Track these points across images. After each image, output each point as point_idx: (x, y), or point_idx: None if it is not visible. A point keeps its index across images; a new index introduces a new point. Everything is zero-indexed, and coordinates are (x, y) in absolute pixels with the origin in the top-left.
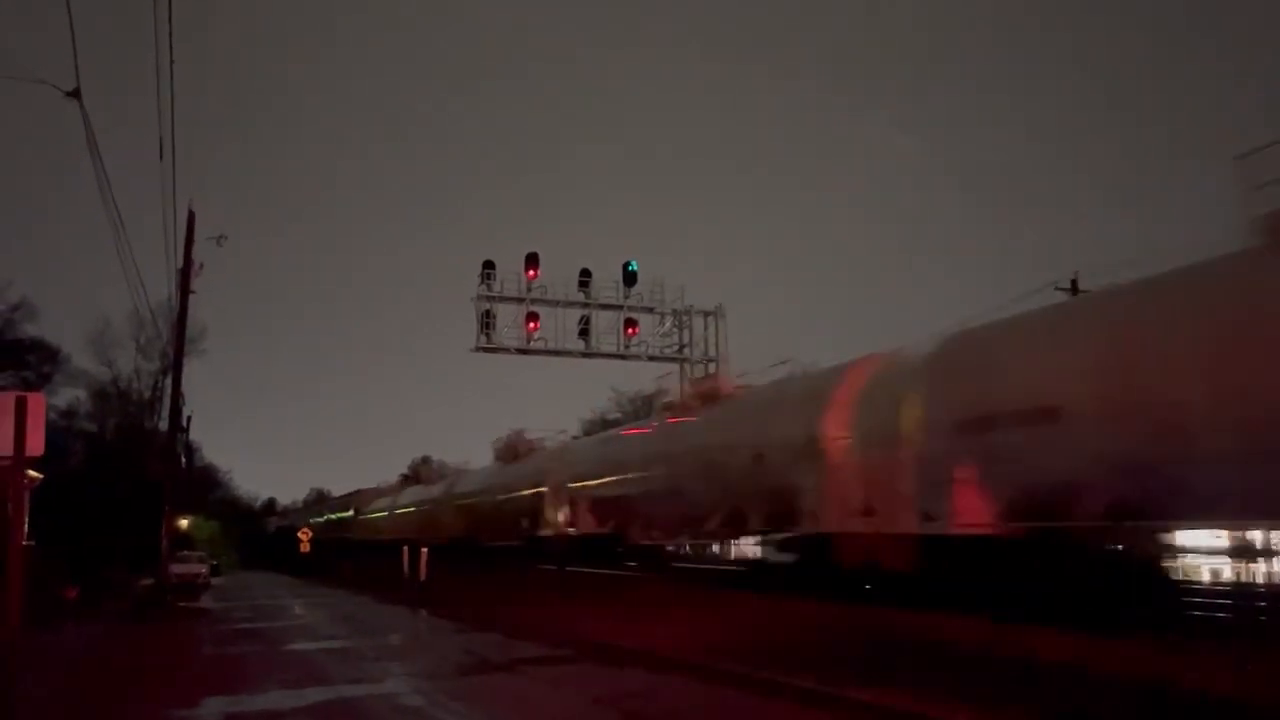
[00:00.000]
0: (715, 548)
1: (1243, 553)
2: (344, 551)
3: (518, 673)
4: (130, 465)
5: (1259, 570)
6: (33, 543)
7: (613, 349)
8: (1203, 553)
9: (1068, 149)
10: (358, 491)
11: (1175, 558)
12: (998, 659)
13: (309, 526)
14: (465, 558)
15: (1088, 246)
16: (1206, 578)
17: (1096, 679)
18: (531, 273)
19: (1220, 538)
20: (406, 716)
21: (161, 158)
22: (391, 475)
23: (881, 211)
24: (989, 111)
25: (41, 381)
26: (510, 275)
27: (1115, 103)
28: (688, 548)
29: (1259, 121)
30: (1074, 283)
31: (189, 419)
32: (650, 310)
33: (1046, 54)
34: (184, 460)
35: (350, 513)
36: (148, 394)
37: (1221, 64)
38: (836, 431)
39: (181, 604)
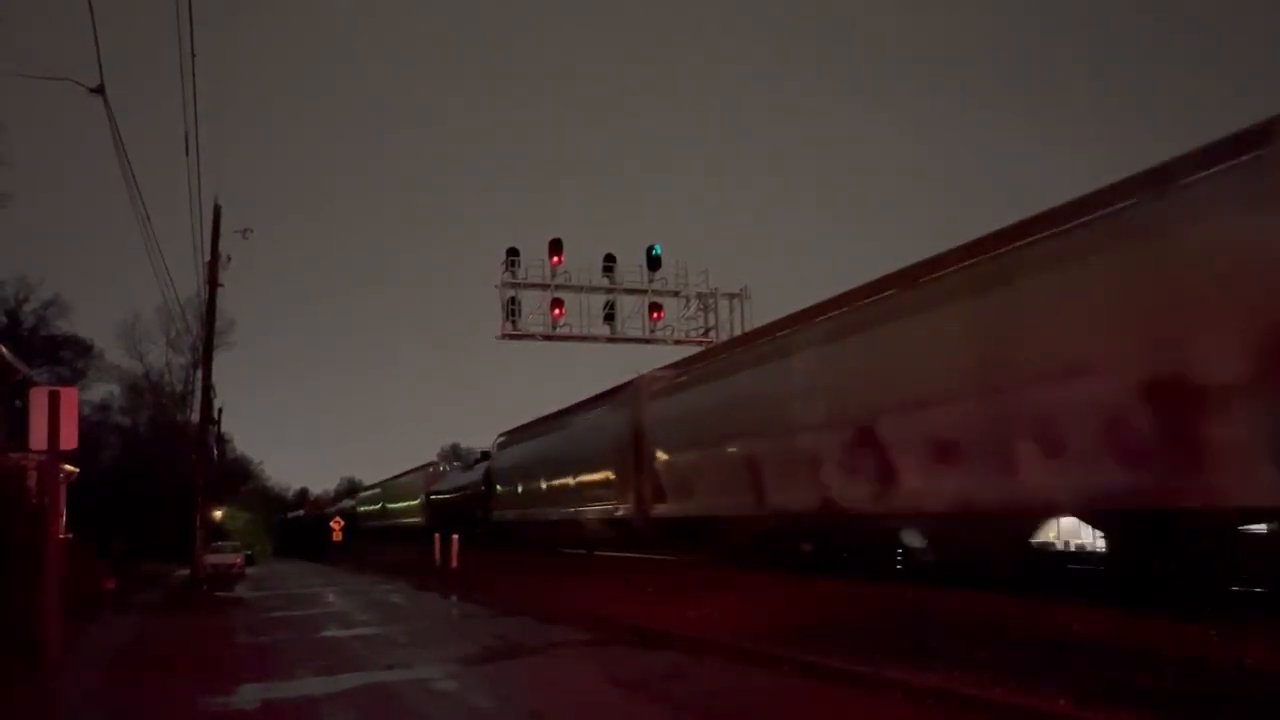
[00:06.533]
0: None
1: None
2: (375, 539)
3: (548, 656)
4: (164, 458)
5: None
6: (70, 535)
7: (638, 333)
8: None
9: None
10: (385, 482)
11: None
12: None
13: (340, 515)
14: (494, 544)
15: None
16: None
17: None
18: (555, 259)
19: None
20: (440, 701)
21: (187, 152)
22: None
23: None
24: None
25: (76, 377)
26: (535, 262)
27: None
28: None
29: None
30: None
31: (220, 411)
32: (675, 294)
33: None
34: (216, 452)
35: (379, 505)
36: (180, 387)
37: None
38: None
39: (217, 593)
